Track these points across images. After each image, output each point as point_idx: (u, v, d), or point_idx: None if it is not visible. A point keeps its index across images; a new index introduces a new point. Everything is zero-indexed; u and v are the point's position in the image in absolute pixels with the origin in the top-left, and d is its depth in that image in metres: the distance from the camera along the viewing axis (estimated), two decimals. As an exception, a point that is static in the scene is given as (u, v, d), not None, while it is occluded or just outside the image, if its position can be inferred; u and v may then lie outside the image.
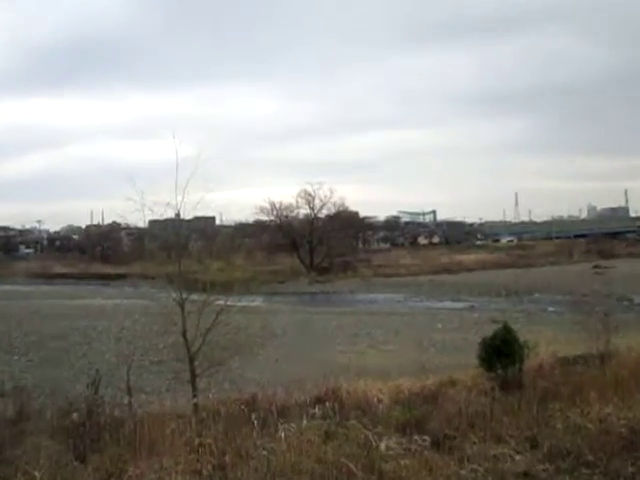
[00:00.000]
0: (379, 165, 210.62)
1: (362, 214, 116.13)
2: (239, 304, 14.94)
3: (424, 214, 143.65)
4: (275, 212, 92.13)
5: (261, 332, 25.45)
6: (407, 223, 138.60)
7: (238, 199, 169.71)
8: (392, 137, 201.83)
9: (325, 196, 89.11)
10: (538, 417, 9.88)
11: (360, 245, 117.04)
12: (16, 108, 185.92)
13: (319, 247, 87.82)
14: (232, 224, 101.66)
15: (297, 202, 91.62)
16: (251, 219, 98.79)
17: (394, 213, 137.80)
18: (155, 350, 22.73)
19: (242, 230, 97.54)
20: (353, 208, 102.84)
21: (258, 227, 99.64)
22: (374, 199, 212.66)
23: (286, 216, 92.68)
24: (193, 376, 13.44)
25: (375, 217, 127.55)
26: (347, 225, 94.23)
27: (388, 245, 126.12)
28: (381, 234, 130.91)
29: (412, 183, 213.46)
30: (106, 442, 9.32)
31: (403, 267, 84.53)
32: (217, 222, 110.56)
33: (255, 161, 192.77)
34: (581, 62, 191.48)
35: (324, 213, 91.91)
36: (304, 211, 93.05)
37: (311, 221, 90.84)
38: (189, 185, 13.39)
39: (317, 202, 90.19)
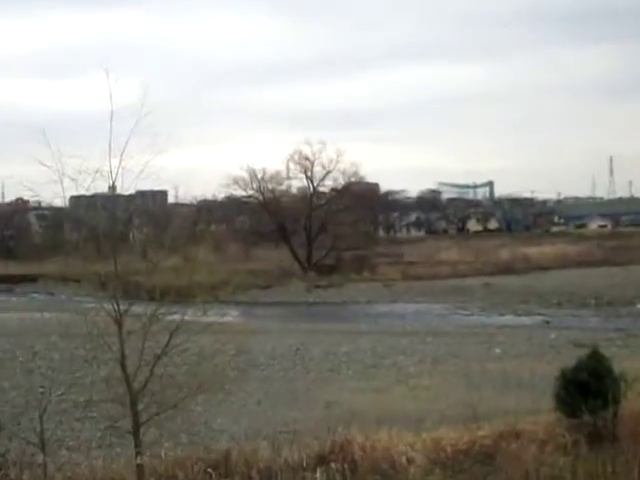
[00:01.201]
0: (409, 116, 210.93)
1: (384, 187, 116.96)
2: (203, 320, 14.99)
3: (476, 187, 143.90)
4: (256, 184, 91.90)
5: (236, 361, 25.49)
6: (451, 200, 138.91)
7: (202, 165, 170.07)
8: (428, 75, 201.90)
9: (330, 161, 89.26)
10: (642, 484, 9.94)
11: (381, 233, 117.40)
12: None
13: (321, 236, 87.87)
14: (193, 202, 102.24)
15: (288, 170, 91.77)
16: (221, 195, 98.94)
17: (432, 186, 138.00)
18: (81, 387, 22.78)
19: (208, 211, 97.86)
20: (371, 179, 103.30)
21: (231, 206, 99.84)
22: (402, 166, 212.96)
23: (272, 190, 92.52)
24: (136, 424, 13.51)
25: (404, 191, 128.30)
26: (362, 203, 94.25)
27: (423, 233, 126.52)
28: (413, 217, 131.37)
29: (458, 142, 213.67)
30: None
31: (445, 265, 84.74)
32: (171, 199, 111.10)
33: (226, 109, 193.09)
34: None
35: (328, 186, 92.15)
36: (298, 183, 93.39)
37: (309, 197, 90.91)
38: (130, 144, 13.42)
39: (318, 170, 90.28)
